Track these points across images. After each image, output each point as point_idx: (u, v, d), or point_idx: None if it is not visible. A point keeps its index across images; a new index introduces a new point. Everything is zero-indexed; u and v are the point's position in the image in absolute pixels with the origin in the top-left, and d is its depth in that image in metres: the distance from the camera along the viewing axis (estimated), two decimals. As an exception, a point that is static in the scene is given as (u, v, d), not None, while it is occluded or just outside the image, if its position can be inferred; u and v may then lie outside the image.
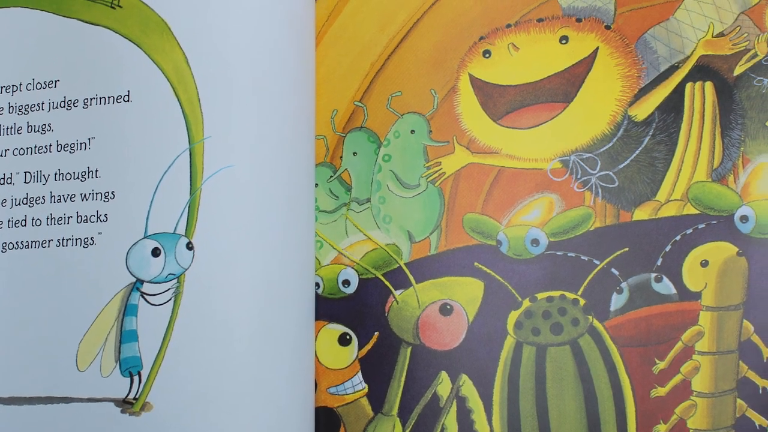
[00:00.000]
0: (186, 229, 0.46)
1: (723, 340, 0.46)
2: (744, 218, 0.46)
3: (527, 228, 0.48)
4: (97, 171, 0.48)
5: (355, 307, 0.50)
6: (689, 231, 0.47)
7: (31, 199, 0.49)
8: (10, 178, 0.49)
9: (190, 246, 0.46)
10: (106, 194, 0.48)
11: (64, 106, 0.49)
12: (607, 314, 0.47)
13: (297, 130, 0.49)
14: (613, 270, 0.47)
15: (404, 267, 0.49)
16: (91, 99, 0.48)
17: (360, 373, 0.49)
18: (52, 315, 0.47)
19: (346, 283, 0.50)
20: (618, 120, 0.48)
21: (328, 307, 0.50)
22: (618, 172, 0.48)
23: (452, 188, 0.50)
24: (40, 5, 0.50)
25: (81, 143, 0.48)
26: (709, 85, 0.48)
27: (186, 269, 0.46)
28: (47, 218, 0.48)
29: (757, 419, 0.45)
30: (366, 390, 0.49)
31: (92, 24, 0.49)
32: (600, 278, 0.47)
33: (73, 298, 0.47)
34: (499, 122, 0.50)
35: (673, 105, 0.48)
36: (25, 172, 0.49)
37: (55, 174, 0.48)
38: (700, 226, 0.47)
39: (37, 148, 0.49)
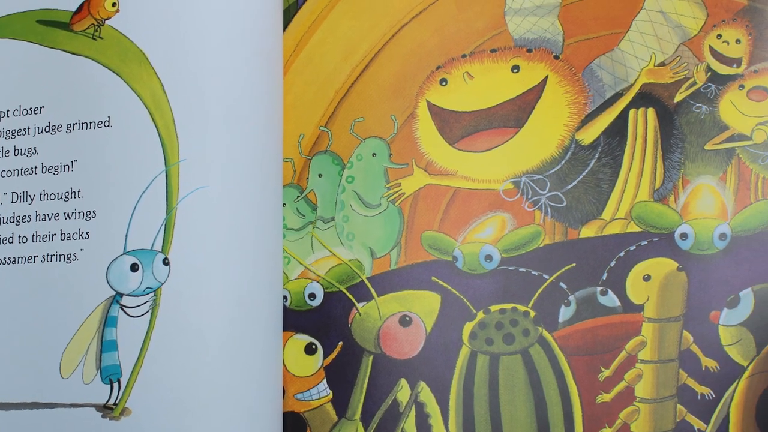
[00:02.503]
0: (162, 246, 0.47)
1: (664, 349, 0.47)
2: (684, 236, 0.47)
3: (481, 245, 0.49)
4: (79, 191, 0.48)
5: (320, 318, 0.50)
6: (632, 247, 0.47)
7: (18, 218, 0.49)
8: (-2, 198, 0.49)
9: (166, 261, 0.47)
10: (88, 213, 0.48)
11: (48, 131, 0.49)
12: (556, 325, 0.48)
13: (266, 153, 0.49)
14: (561, 284, 0.48)
15: (366, 281, 0.50)
16: (73, 124, 0.49)
17: (325, 380, 0.50)
18: (38, 326, 0.48)
19: (312, 296, 0.50)
20: (566, 144, 0.49)
21: (295, 318, 0.50)
22: (566, 193, 0.48)
23: (411, 208, 0.50)
24: (27, 37, 0.50)
25: (64, 165, 0.49)
26: (651, 111, 0.48)
27: (162, 283, 0.46)
28: (33, 236, 0.49)
29: (696, 423, 0.46)
30: (330, 396, 0.50)
31: (75, 54, 0.49)
32: (549, 292, 0.48)
33: (57, 310, 0.48)
34: (455, 146, 0.50)
35: (618, 130, 0.48)
36: (12, 193, 0.49)
37: (40, 194, 0.49)
38: (643, 243, 0.47)
39: (23, 170, 0.49)
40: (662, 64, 0.49)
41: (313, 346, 0.50)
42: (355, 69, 0.51)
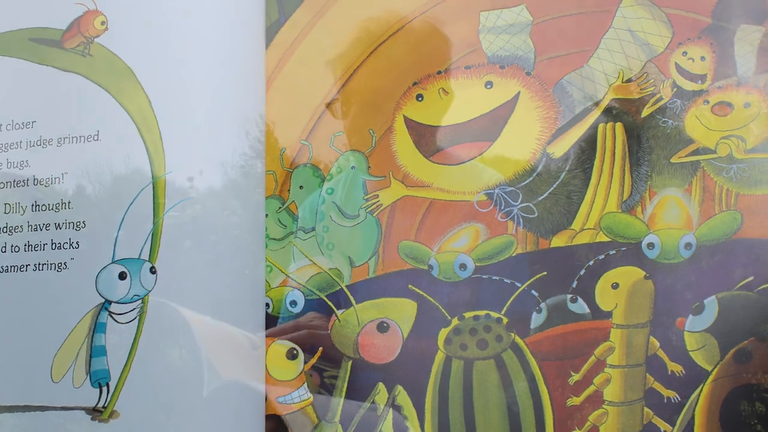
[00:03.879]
0: (149, 255, 0.47)
1: (632, 354, 0.47)
2: (650, 245, 0.48)
3: (456, 254, 0.49)
4: (69, 203, 0.49)
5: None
6: (601, 257, 0.48)
7: (11, 228, 0.50)
8: (-9, 209, 0.50)
9: (153, 270, 0.47)
10: (78, 224, 0.48)
11: (40, 145, 0.50)
12: (528, 331, 0.48)
13: (249, 165, 0.50)
14: (533, 292, 0.48)
15: (345, 289, 0.50)
16: (64, 138, 0.49)
17: (306, 385, 0.50)
18: (30, 332, 0.48)
19: (293, 303, 0.50)
20: (537, 157, 0.49)
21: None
22: (537, 204, 0.49)
23: (389, 218, 0.50)
24: (19, 54, 0.51)
25: (55, 178, 0.49)
26: (619, 126, 0.49)
27: (149, 291, 0.47)
28: (25, 245, 0.49)
29: (662, 426, 0.47)
30: (311, 399, 0.50)
31: (65, 71, 0.50)
32: (521, 299, 0.48)
33: (48, 317, 0.48)
34: (430, 159, 0.50)
35: (587, 144, 0.49)
36: (5, 204, 0.50)
37: (32, 205, 0.49)
38: (611, 252, 0.48)
39: (15, 182, 0.50)
40: (630, 80, 0.49)
41: (294, 352, 0.50)
42: (335, 85, 0.52)
